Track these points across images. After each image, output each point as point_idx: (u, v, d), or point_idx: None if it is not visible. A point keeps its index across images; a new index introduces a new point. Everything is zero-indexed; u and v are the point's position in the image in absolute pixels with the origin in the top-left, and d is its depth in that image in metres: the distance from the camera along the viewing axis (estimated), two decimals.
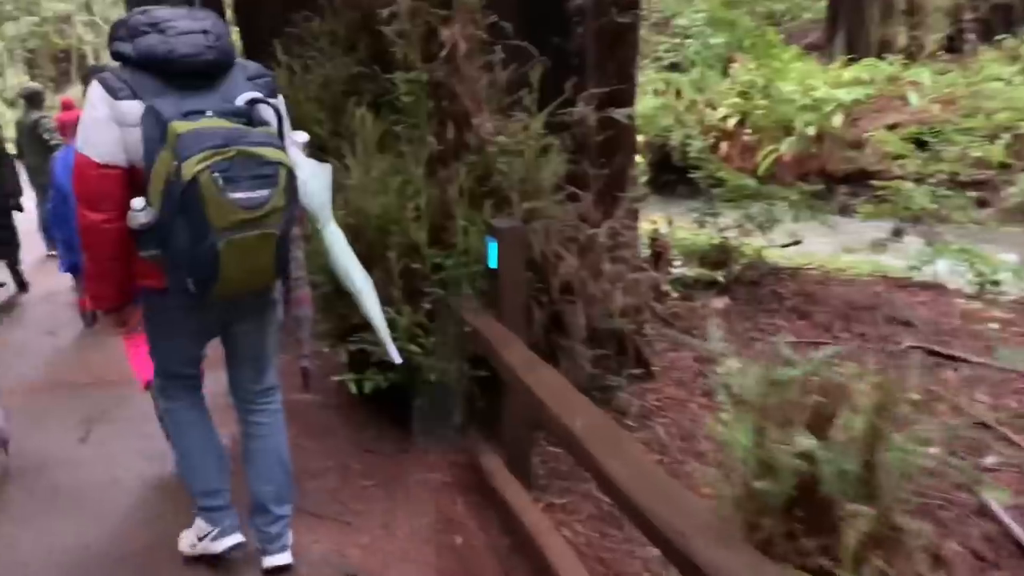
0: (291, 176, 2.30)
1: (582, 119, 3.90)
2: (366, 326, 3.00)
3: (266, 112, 2.36)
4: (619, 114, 4.14)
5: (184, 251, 2.19)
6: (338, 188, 3.02)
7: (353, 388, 3.59)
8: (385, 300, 3.07)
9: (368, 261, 3.05)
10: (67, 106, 8.11)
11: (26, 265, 7.03)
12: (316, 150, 3.62)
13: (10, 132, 9.36)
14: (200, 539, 2.76)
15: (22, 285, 6.84)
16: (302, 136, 2.68)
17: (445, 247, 3.55)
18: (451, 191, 3.58)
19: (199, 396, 2.76)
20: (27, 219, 7.30)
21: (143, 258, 2.32)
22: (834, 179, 11.69)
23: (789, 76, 12.84)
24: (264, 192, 2.20)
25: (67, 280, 5.78)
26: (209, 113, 2.22)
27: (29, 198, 7.36)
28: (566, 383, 2.61)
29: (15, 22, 22.75)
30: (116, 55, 2.31)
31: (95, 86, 2.27)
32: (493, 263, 3.24)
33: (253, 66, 2.47)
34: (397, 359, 2.93)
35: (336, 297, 3.41)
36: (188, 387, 2.72)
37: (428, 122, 3.75)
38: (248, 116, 2.31)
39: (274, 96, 2.45)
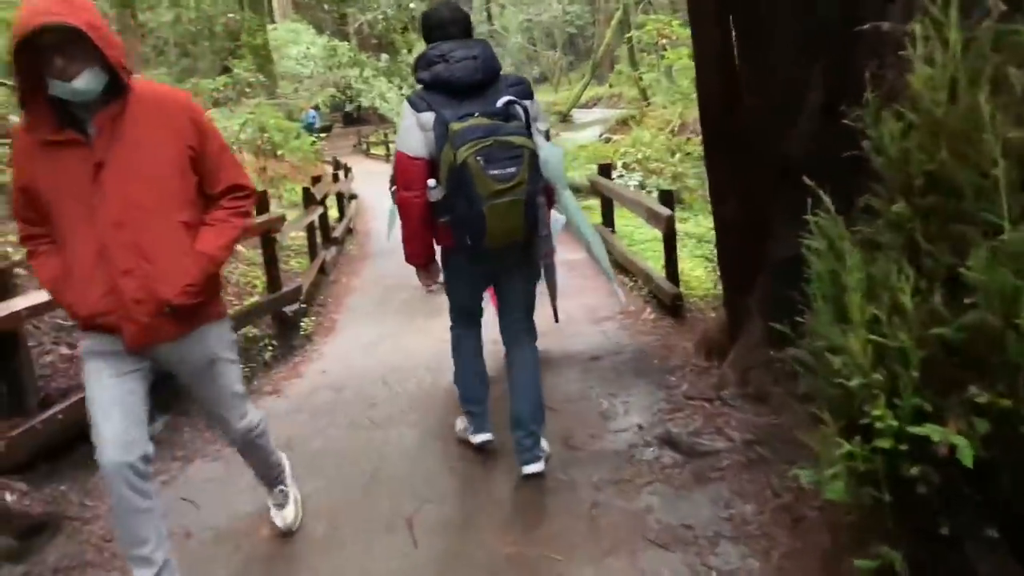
0: (533, 156, 2.97)
1: None
2: None
3: (517, 110, 3.03)
4: None
5: (462, 215, 2.94)
6: None
7: None
8: None
9: None
10: None
11: None
12: None
13: None
14: (463, 429, 3.75)
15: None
16: (544, 124, 3.28)
17: None
18: None
19: (477, 330, 3.57)
20: None
21: (440, 225, 3.11)
22: None
23: None
24: (512, 168, 2.88)
25: None
26: (476, 114, 2.94)
27: None
28: None
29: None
30: (419, 80, 3.14)
31: (405, 104, 3.12)
32: None
33: (512, 76, 3.21)
34: (622, 298, 4.28)
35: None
36: (470, 321, 3.55)
37: None
38: (505, 114, 3.00)
39: (528, 97, 3.12)
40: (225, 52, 21.61)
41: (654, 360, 4.70)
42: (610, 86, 43.08)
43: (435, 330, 6.26)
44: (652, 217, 6.04)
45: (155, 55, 36.16)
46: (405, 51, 23.50)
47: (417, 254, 3.30)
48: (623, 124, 25.08)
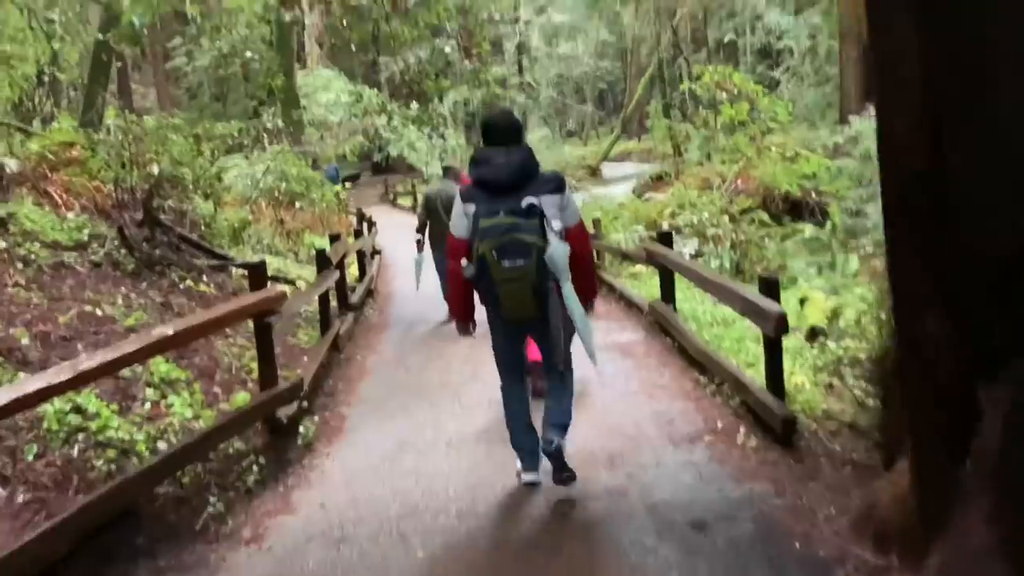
0: (540, 252, 3.51)
1: None
2: None
3: (538, 209, 3.53)
4: None
5: (485, 291, 3.67)
6: None
7: None
8: None
9: None
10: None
11: None
12: None
13: None
14: (517, 470, 4.10)
15: None
16: (557, 224, 3.60)
17: None
18: None
19: (522, 384, 4.03)
20: None
21: (478, 289, 3.73)
22: None
23: None
24: (520, 261, 3.51)
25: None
26: (501, 213, 3.53)
27: None
28: None
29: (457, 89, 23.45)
30: (470, 176, 3.76)
31: (457, 194, 3.81)
32: None
33: (548, 174, 3.73)
34: (596, 363, 4.06)
35: None
36: (515, 376, 4.02)
37: None
38: (527, 213, 3.52)
39: (559, 191, 3.65)
40: (257, 98, 20.79)
41: (793, 541, 3.20)
42: (639, 139, 42.26)
43: (468, 438, 4.88)
44: (753, 312, 4.61)
45: (188, 98, 35.80)
46: (437, 99, 22.68)
47: (459, 311, 3.99)
48: (657, 180, 23.92)
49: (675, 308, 7.32)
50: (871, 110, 15.54)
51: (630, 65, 41.39)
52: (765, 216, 11.45)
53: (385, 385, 6.41)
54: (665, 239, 7.50)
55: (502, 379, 4.06)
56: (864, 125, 14.98)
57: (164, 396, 4.76)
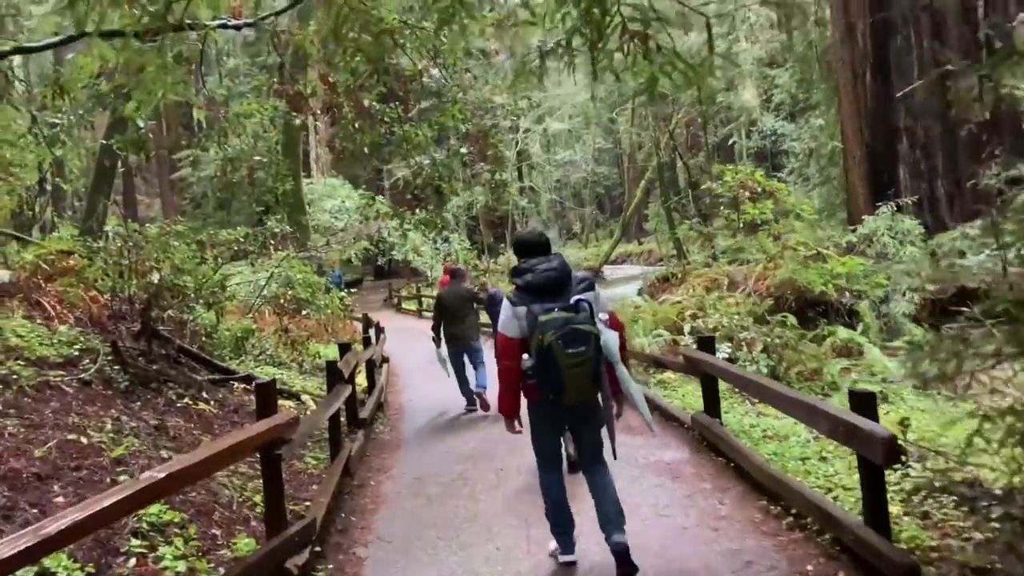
0: (597, 339, 4.02)
1: None
2: None
3: (585, 305, 4.05)
4: None
5: (548, 378, 3.99)
6: None
7: None
8: None
9: None
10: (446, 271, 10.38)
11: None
12: None
13: None
14: (554, 549, 4.50)
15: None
16: (603, 314, 4.21)
17: None
18: None
19: (560, 470, 4.46)
20: None
21: (528, 385, 4.15)
22: None
23: None
24: (582, 348, 3.95)
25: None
26: (556, 309, 4.01)
27: None
28: None
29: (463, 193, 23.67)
30: (515, 284, 4.21)
31: (505, 300, 4.19)
32: None
33: (580, 275, 4.27)
34: (653, 427, 4.66)
35: None
36: (554, 464, 4.42)
37: None
38: (576, 307, 4.04)
39: (591, 290, 4.21)
40: (263, 205, 20.55)
41: None
42: (638, 242, 42.36)
43: None
44: (848, 434, 3.86)
45: (192, 208, 35.80)
46: (450, 201, 22.60)
47: (509, 405, 4.25)
48: (664, 281, 23.53)
49: (721, 421, 6.58)
50: (882, 210, 15.33)
51: (627, 170, 41.81)
52: (792, 318, 10.80)
53: (404, 519, 5.58)
54: (707, 345, 6.82)
55: (543, 470, 4.43)
56: (878, 223, 14.64)
57: (153, 547, 3.96)
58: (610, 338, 4.07)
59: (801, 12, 21.03)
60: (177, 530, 4.31)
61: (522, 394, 4.23)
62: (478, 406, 8.97)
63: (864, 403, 3.85)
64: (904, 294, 12.03)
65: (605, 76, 4.74)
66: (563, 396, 3.99)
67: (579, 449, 4.38)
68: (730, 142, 33.93)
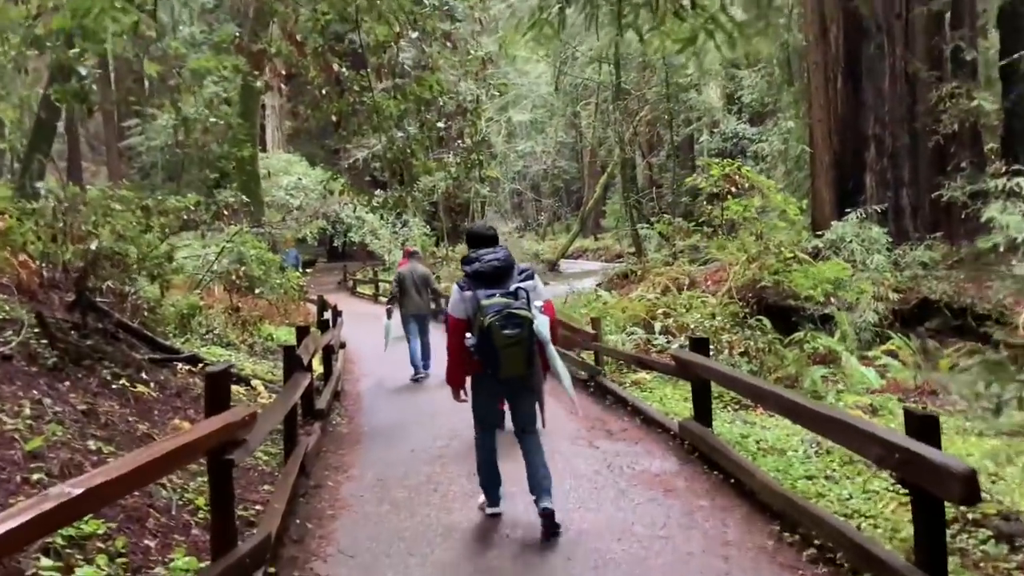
0: (530, 323, 4.44)
1: None
2: None
3: (523, 293, 4.50)
4: None
5: (487, 355, 4.44)
6: None
7: None
8: None
9: None
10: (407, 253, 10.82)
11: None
12: None
13: None
14: (482, 503, 5.00)
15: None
16: (538, 301, 4.61)
17: None
18: None
19: (493, 434, 4.89)
20: None
21: (471, 361, 4.59)
22: None
23: None
24: (517, 330, 4.39)
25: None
26: (497, 294, 4.45)
27: None
28: None
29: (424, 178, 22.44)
30: (464, 271, 4.67)
31: (455, 286, 4.67)
32: None
33: (522, 265, 4.74)
34: (576, 403, 5.27)
35: None
36: (489, 428, 4.88)
37: None
38: (515, 294, 4.48)
39: (531, 279, 4.67)
40: (213, 180, 19.42)
41: None
42: (595, 238, 42.01)
43: None
44: (909, 464, 3.27)
45: (140, 178, 34.08)
46: (399, 184, 21.66)
47: (456, 378, 4.79)
48: (623, 278, 23.10)
49: (712, 429, 6.02)
50: (850, 217, 15.05)
51: (587, 165, 41.29)
52: (767, 322, 10.35)
53: (368, 529, 4.87)
54: (700, 346, 6.26)
55: (479, 431, 4.89)
56: (844, 230, 14.34)
57: (69, 568, 3.19)
58: (542, 322, 4.52)
59: (776, 12, 20.68)
60: (101, 544, 3.54)
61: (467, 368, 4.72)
62: (422, 376, 10.07)
63: (927, 429, 3.28)
64: (872, 302, 11.72)
65: (628, 35, 4.06)
66: (499, 371, 4.46)
67: (514, 418, 4.80)
68: (697, 141, 33.60)
